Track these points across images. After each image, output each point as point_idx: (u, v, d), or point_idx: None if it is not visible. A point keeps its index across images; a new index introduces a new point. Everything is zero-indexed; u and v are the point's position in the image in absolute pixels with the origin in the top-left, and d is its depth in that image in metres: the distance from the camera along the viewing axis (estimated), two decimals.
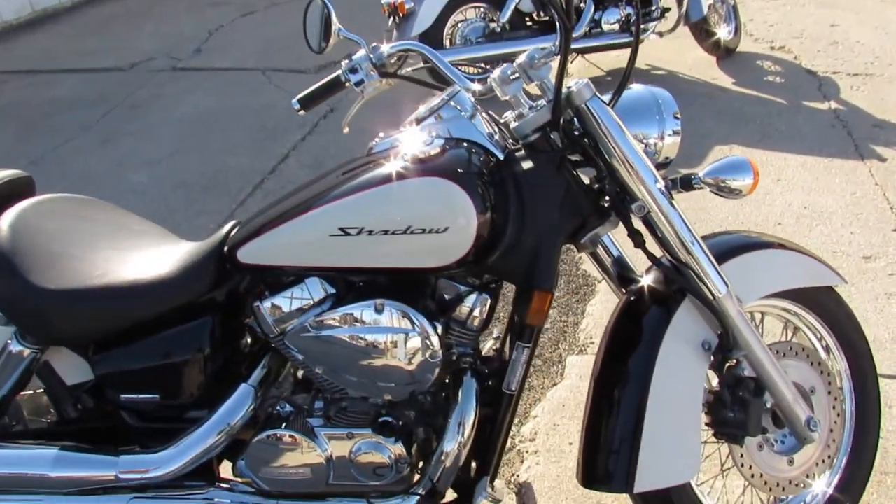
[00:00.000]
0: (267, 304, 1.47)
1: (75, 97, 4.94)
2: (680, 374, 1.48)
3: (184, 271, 1.52)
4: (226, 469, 1.61)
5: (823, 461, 1.66)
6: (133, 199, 3.63)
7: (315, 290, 1.46)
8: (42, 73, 5.47)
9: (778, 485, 1.61)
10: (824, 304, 1.68)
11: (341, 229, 1.37)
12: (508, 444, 2.09)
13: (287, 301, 1.47)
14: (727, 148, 3.69)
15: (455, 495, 1.61)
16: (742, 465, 1.57)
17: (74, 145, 4.27)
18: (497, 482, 1.92)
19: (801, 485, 1.65)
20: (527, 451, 2.06)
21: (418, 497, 1.51)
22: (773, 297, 1.62)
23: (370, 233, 1.36)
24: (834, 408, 1.67)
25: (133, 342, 1.53)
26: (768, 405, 1.54)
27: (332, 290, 1.47)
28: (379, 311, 1.40)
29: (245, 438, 1.54)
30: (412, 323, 1.40)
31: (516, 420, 2.17)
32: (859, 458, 1.72)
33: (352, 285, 1.48)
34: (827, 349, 1.72)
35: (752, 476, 1.58)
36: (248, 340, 1.60)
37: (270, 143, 4.11)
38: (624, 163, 1.40)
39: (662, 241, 1.46)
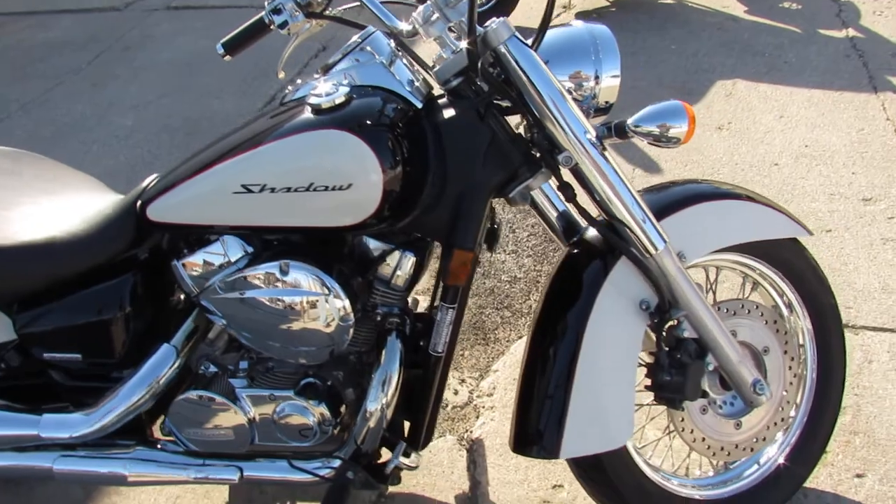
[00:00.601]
0: (184, 263, 1.41)
1: (68, 38, 4.85)
2: (614, 335, 1.40)
3: (101, 229, 1.46)
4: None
5: (776, 423, 1.57)
6: (116, 144, 3.57)
7: (231, 248, 1.40)
8: (39, 15, 5.38)
9: (723, 449, 1.53)
10: (785, 257, 1.56)
11: (244, 186, 1.29)
12: (465, 399, 2.04)
13: (203, 260, 1.41)
14: (730, 83, 3.48)
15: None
16: (683, 430, 1.49)
17: (65, 89, 4.20)
18: (449, 438, 1.89)
19: (751, 449, 1.57)
20: (483, 407, 2.00)
21: (341, 460, 1.47)
22: (728, 251, 1.51)
23: (272, 190, 1.28)
24: (790, 368, 1.57)
25: (55, 300, 1.49)
26: (711, 367, 1.45)
27: (249, 249, 1.40)
28: (284, 272, 1.32)
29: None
30: (320, 284, 1.32)
31: (476, 374, 2.11)
32: (818, 420, 1.62)
33: (269, 244, 1.41)
34: (789, 306, 1.61)
35: (695, 441, 1.51)
36: (180, 298, 1.55)
37: (260, 82, 4.00)
38: (548, 109, 1.28)
39: (592, 195, 1.35)
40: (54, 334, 1.50)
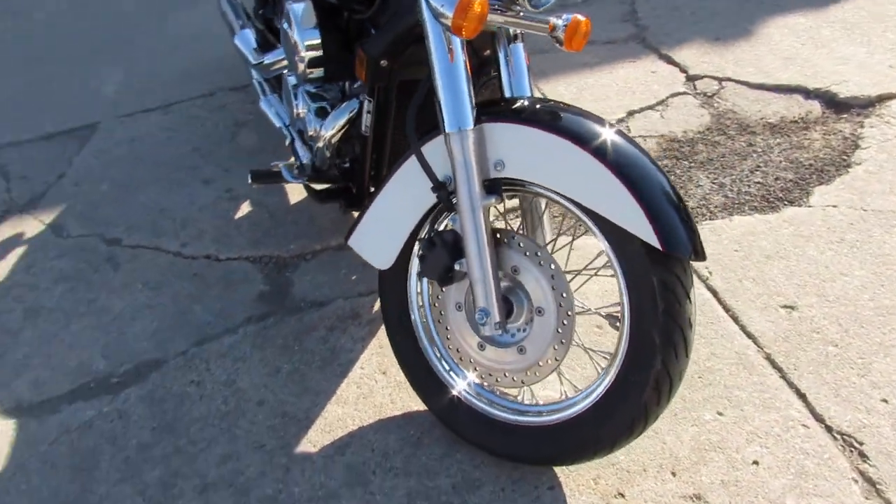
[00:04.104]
0: None
1: None
2: (412, 187, 1.54)
3: None
4: None
5: (523, 382, 1.51)
6: None
7: None
8: None
9: (458, 351, 1.58)
10: (632, 258, 1.35)
11: None
12: None
13: None
14: None
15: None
16: (434, 306, 1.60)
17: None
18: None
19: (492, 380, 1.56)
20: None
21: (301, 166, 2.03)
22: (574, 204, 1.39)
23: None
24: (556, 349, 1.44)
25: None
26: (459, 267, 1.48)
27: None
28: (292, 9, 1.83)
29: None
30: (302, 27, 1.79)
31: None
32: (586, 426, 1.46)
33: None
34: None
35: (439, 323, 1.60)
36: None
37: None
38: None
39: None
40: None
